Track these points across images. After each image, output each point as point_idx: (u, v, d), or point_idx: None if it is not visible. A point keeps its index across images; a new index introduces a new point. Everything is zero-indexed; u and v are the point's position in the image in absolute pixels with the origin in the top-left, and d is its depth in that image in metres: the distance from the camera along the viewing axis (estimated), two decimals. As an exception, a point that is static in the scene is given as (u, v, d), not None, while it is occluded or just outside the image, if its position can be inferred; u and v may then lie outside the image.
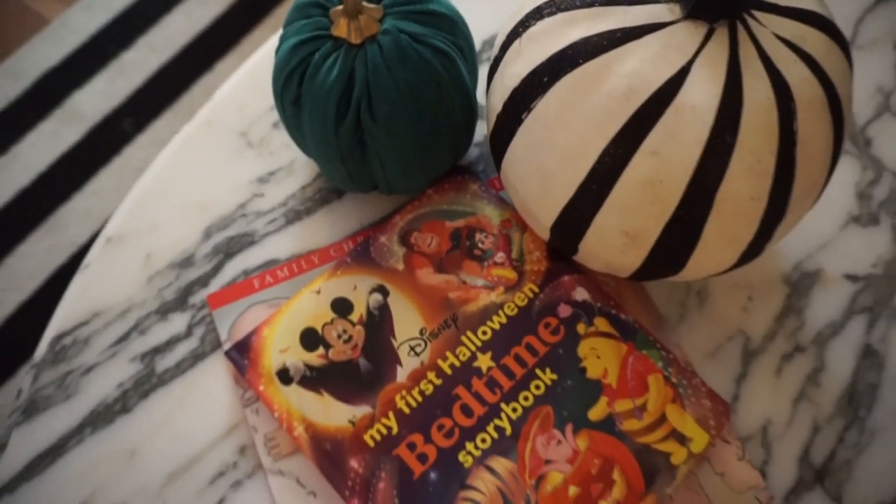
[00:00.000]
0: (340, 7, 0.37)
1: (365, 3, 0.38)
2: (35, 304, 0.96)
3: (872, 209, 0.48)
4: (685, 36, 0.32)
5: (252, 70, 0.53)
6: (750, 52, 0.32)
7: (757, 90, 0.31)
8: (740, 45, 0.32)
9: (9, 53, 1.16)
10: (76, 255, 0.99)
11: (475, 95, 0.43)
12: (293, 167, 0.49)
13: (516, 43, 0.36)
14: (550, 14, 0.34)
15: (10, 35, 1.18)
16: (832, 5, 0.57)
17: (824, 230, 0.48)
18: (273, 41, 0.54)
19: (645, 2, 0.32)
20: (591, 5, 0.33)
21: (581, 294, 0.42)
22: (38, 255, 0.99)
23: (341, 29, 0.38)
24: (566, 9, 0.33)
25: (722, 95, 0.31)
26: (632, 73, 0.31)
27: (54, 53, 1.15)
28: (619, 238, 0.35)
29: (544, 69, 0.34)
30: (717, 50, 0.32)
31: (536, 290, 0.43)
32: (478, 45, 0.54)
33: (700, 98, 0.31)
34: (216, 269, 0.46)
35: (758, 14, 0.33)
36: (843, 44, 0.34)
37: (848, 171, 0.50)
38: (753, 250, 0.36)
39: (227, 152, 0.50)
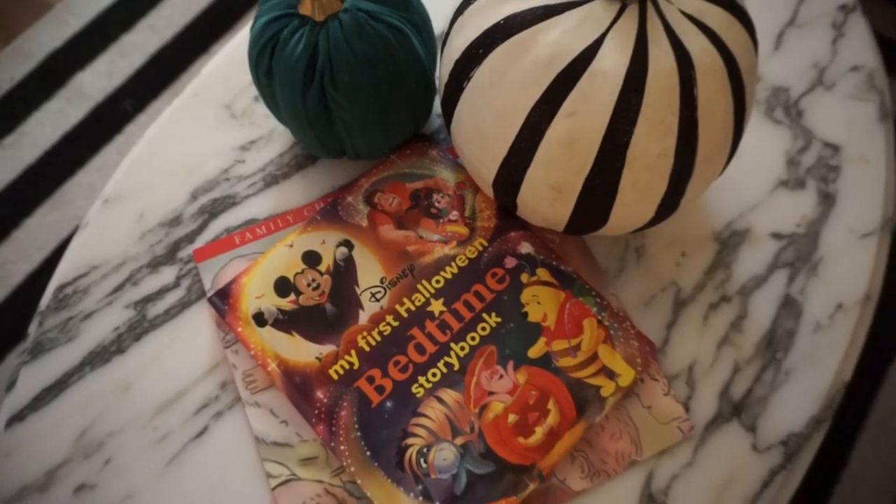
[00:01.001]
0: (305, -12, 0.42)
1: (327, -15, 0.42)
2: (43, 275, 1.01)
3: (800, 174, 0.53)
4: (600, 11, 0.36)
5: (236, 47, 0.58)
6: (656, 25, 0.36)
7: (661, 59, 0.36)
8: (648, 20, 0.36)
9: (15, 36, 1.21)
10: (81, 227, 1.05)
11: (432, 69, 0.47)
12: (272, 136, 0.54)
13: (459, 19, 0.40)
14: (486, -7, 0.38)
15: (17, 18, 1.23)
16: (777, -14, 0.61)
17: (755, 193, 0.52)
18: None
19: (566, -18, 0.37)
20: (518, -15, 0.37)
21: (526, 248, 0.47)
22: (44, 227, 1.05)
23: (307, 7, 0.42)
24: (498, -12, 0.38)
25: (630, 63, 0.35)
26: (553, 43, 0.36)
27: (59, 36, 1.20)
28: (547, 192, 0.39)
29: (480, 41, 0.38)
30: (628, 24, 0.36)
31: (486, 244, 0.47)
32: (442, 26, 0.59)
33: (610, 65, 0.35)
34: (201, 227, 0.51)
35: (667, -8, 0.37)
36: (744, 19, 0.38)
37: (779, 140, 0.54)
38: (669, 204, 0.40)
39: (212, 122, 0.55)
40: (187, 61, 1.18)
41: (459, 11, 0.40)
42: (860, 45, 0.58)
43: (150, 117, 1.14)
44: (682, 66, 0.36)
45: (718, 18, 0.37)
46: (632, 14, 0.36)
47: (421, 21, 0.45)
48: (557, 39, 0.36)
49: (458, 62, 0.40)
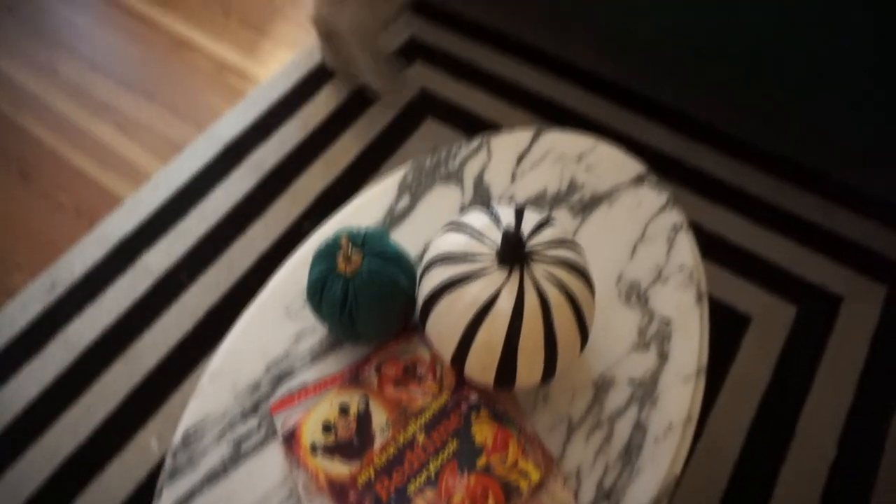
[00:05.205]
0: (341, 257, 0.75)
1: (353, 254, 0.76)
2: (120, 412, 1.29)
3: (646, 340, 0.84)
4: (498, 274, 0.69)
5: (289, 272, 0.91)
6: (529, 282, 0.69)
7: (531, 300, 0.68)
8: (525, 278, 0.69)
9: (94, 225, 1.56)
10: (147, 377, 1.34)
11: (413, 290, 0.80)
12: (315, 329, 0.86)
13: (427, 274, 0.73)
14: (438, 265, 0.71)
15: (96, 210, 1.58)
16: (631, 206, 0.95)
17: (617, 354, 0.83)
18: (299, 257, 0.92)
19: (480, 261, 0.70)
20: (454, 261, 0.70)
21: (474, 397, 0.78)
22: (119, 378, 1.34)
23: (341, 267, 0.75)
24: (443, 262, 0.71)
25: (514, 304, 0.68)
26: (474, 294, 0.68)
27: (128, 224, 1.55)
28: (478, 368, 0.71)
29: (438, 289, 0.71)
30: (514, 281, 0.69)
31: (449, 396, 0.78)
32: (420, 250, 0.92)
33: (504, 305, 0.68)
34: (273, 390, 0.81)
35: (535, 262, 0.70)
36: (583, 275, 0.71)
37: (633, 318, 0.86)
38: (548, 373, 0.71)
39: (276, 320, 0.87)
40: (229, 241, 1.53)
41: (426, 269, 0.73)
42: (685, 251, 0.92)
43: (199, 287, 1.46)
44: (543, 304, 0.68)
45: (565, 275, 0.70)
46: (515, 275, 0.69)
47: (408, 267, 0.78)
48: (477, 292, 0.68)
49: (426, 299, 0.72)
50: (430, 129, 1.71)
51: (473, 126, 1.71)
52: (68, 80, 1.84)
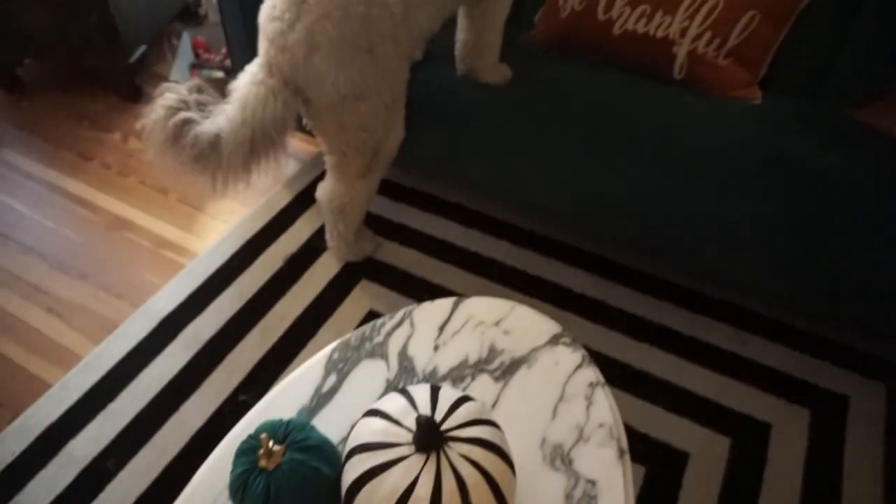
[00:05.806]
0: (262, 453, 0.76)
1: (274, 449, 0.76)
2: None
3: (573, 504, 0.86)
4: (416, 460, 0.71)
5: (212, 465, 0.90)
6: (446, 464, 0.71)
7: (449, 484, 0.70)
8: (442, 461, 0.71)
9: (18, 415, 1.50)
10: (68, 583, 1.24)
11: (337, 474, 0.80)
12: (241, 524, 0.84)
13: (348, 463, 0.74)
14: (358, 453, 0.73)
15: (20, 399, 1.53)
16: (549, 367, 1.00)
17: (547, 522, 0.84)
18: (223, 448, 0.91)
19: (398, 448, 0.72)
20: (372, 449, 0.72)
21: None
22: (36, 588, 1.23)
23: (262, 463, 0.76)
24: (363, 451, 0.73)
25: (433, 488, 0.69)
26: (394, 482, 0.70)
27: (55, 411, 1.50)
28: (404, 559, 0.70)
29: (359, 479, 0.72)
30: (431, 465, 0.71)
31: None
32: (347, 429, 0.93)
33: (423, 492, 0.69)
34: None
35: (451, 443, 0.73)
36: (501, 453, 0.74)
37: (558, 481, 0.88)
38: (474, 555, 0.71)
39: (201, 518, 0.85)
40: (161, 420, 1.49)
41: (348, 458, 0.75)
42: (603, 408, 0.96)
43: (127, 474, 1.40)
44: (461, 486, 0.70)
45: (482, 455, 0.72)
46: (433, 459, 0.71)
47: (331, 453, 0.79)
48: (396, 480, 0.70)
49: (349, 488, 0.73)
50: (364, 290, 1.77)
51: (405, 284, 1.78)
52: None
